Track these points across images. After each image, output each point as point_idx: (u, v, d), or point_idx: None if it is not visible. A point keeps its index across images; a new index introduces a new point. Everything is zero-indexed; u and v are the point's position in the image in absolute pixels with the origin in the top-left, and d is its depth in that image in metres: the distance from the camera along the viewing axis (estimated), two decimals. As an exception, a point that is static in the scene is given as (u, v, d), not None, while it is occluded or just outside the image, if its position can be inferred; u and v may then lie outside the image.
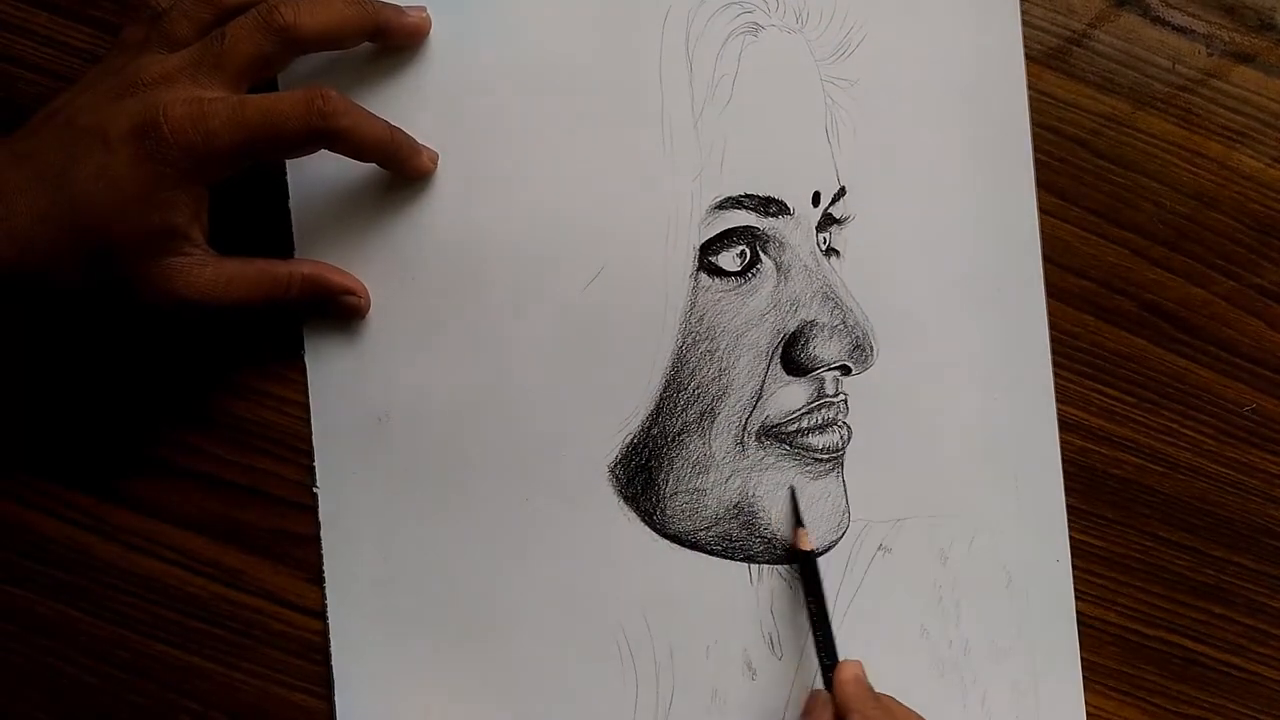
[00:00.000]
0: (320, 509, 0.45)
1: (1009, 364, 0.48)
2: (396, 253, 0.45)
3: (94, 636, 0.45)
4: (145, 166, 0.39)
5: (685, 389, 0.46)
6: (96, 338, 0.45)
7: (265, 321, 0.45)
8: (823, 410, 0.46)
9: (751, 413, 0.46)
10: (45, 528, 0.45)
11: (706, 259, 0.46)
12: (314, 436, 0.45)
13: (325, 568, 0.45)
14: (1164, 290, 0.48)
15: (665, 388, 0.46)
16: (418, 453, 0.45)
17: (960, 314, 0.47)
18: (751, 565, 0.47)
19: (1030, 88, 0.48)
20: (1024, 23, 0.48)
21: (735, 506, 0.46)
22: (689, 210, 0.46)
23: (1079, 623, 0.48)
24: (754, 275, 0.46)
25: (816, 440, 0.46)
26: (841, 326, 0.46)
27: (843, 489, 0.47)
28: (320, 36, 0.41)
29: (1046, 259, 0.48)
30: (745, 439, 0.46)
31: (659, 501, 0.46)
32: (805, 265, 0.46)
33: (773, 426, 0.46)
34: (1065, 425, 0.48)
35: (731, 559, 0.46)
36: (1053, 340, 0.48)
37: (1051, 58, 0.48)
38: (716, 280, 0.46)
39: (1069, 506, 0.48)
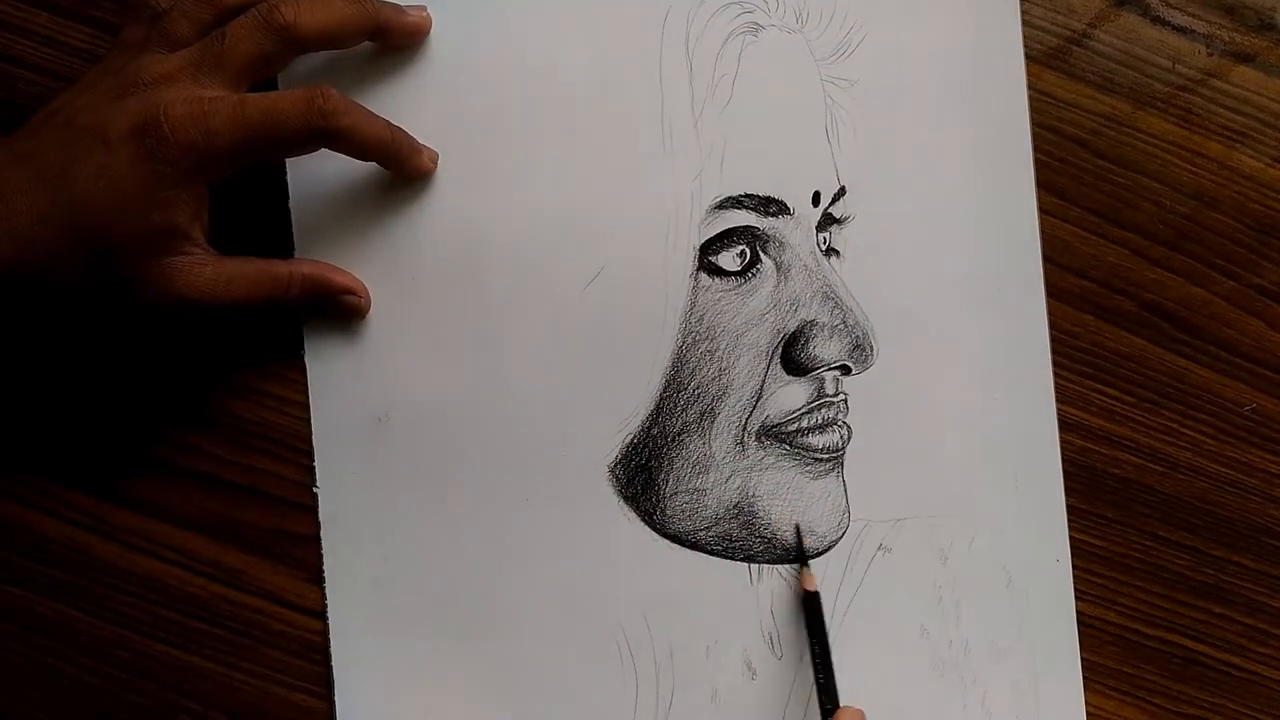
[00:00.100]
0: (320, 509, 0.45)
1: (1009, 364, 0.48)
2: (396, 253, 0.45)
3: (94, 636, 0.45)
4: (145, 166, 0.39)
5: (685, 389, 0.46)
6: (96, 338, 0.45)
7: (265, 321, 0.45)
8: (823, 410, 0.46)
9: (751, 413, 0.46)
10: (45, 528, 0.45)
11: (706, 259, 0.46)
12: (314, 436, 0.45)
13: (325, 568, 0.45)
14: (1164, 290, 0.48)
15: (665, 388, 0.46)
16: (418, 453, 0.45)
17: (960, 314, 0.47)
18: (751, 565, 0.47)
19: (1030, 88, 0.48)
20: (1024, 23, 0.48)
21: (735, 506, 0.46)
22: (689, 210, 0.46)
23: (1079, 622, 0.48)
24: (754, 275, 0.46)
25: (816, 440, 0.46)
26: (841, 326, 0.46)
27: (843, 489, 0.47)
28: (320, 36, 0.41)
29: (1046, 259, 0.48)
30: (745, 439, 0.46)
31: (659, 501, 0.46)
32: (805, 265, 0.46)
33: (773, 426, 0.46)
34: (1065, 425, 0.48)
35: (731, 559, 0.46)
36: (1053, 340, 0.48)
37: (1051, 58, 0.48)
38: (716, 280, 0.46)
39: (1069, 506, 0.48)
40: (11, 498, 0.45)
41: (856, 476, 0.47)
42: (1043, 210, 0.48)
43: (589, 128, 0.46)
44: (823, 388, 0.47)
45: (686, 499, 0.46)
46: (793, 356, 0.46)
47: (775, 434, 0.46)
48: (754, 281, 0.46)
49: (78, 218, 0.39)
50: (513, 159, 0.45)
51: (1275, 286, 0.48)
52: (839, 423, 0.47)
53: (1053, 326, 0.48)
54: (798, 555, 0.46)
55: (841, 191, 0.47)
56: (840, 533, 0.47)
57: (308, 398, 0.45)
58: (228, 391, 0.46)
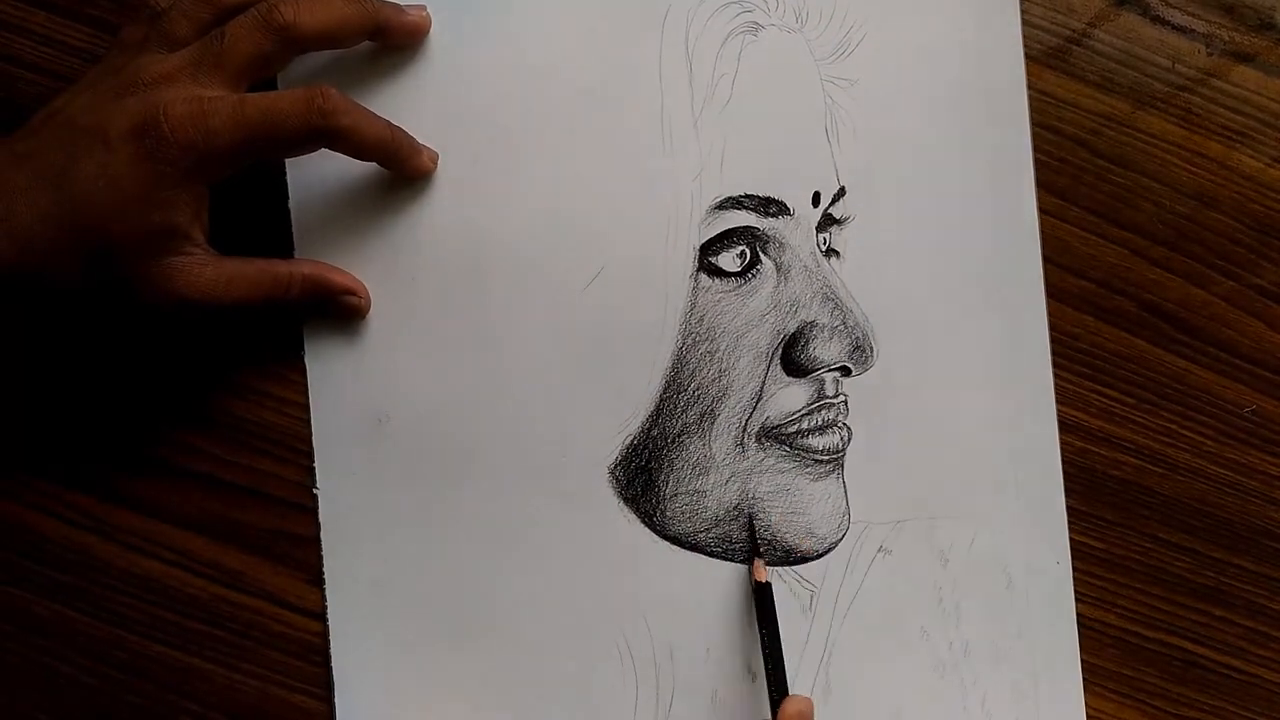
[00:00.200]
0: (320, 510, 0.45)
1: (1009, 364, 0.47)
2: (396, 253, 0.45)
3: (93, 637, 0.45)
4: (145, 166, 0.39)
5: (685, 390, 0.46)
6: (96, 338, 0.45)
7: (265, 321, 0.45)
8: (823, 411, 0.46)
9: (751, 414, 0.46)
10: (45, 528, 0.45)
11: (706, 259, 0.46)
12: (314, 437, 0.45)
13: (325, 568, 0.45)
14: (1164, 290, 0.48)
15: (665, 389, 0.46)
16: (418, 453, 0.45)
17: (960, 314, 0.47)
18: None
19: (1030, 88, 0.48)
20: (1024, 22, 0.48)
21: (735, 508, 0.46)
22: (689, 210, 0.46)
23: (1079, 624, 0.48)
24: (754, 276, 0.46)
25: (817, 441, 0.46)
26: (841, 327, 0.46)
27: (843, 490, 0.47)
28: (320, 35, 0.41)
29: (1046, 259, 0.48)
30: (745, 440, 0.46)
31: (659, 503, 0.46)
32: (805, 266, 0.46)
33: (773, 428, 0.46)
34: (1065, 426, 0.48)
35: (732, 560, 0.46)
36: (1053, 340, 0.48)
37: (1051, 57, 0.48)
38: (716, 281, 0.46)
39: (1069, 507, 0.48)
40: (11, 498, 0.45)
41: (857, 478, 0.47)
42: (1043, 210, 0.48)
43: (589, 128, 0.45)
44: (823, 389, 0.46)
45: (687, 500, 0.46)
46: (793, 358, 0.46)
47: (775, 435, 0.46)
48: (754, 282, 0.46)
49: (78, 218, 0.39)
50: (513, 159, 0.45)
51: (1275, 287, 0.48)
52: (839, 424, 0.47)
53: (1053, 327, 0.48)
54: (749, 548, 0.46)
55: (841, 192, 0.47)
56: (840, 534, 0.47)
57: (308, 398, 0.45)
58: (228, 391, 0.46)
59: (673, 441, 0.46)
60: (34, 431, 0.45)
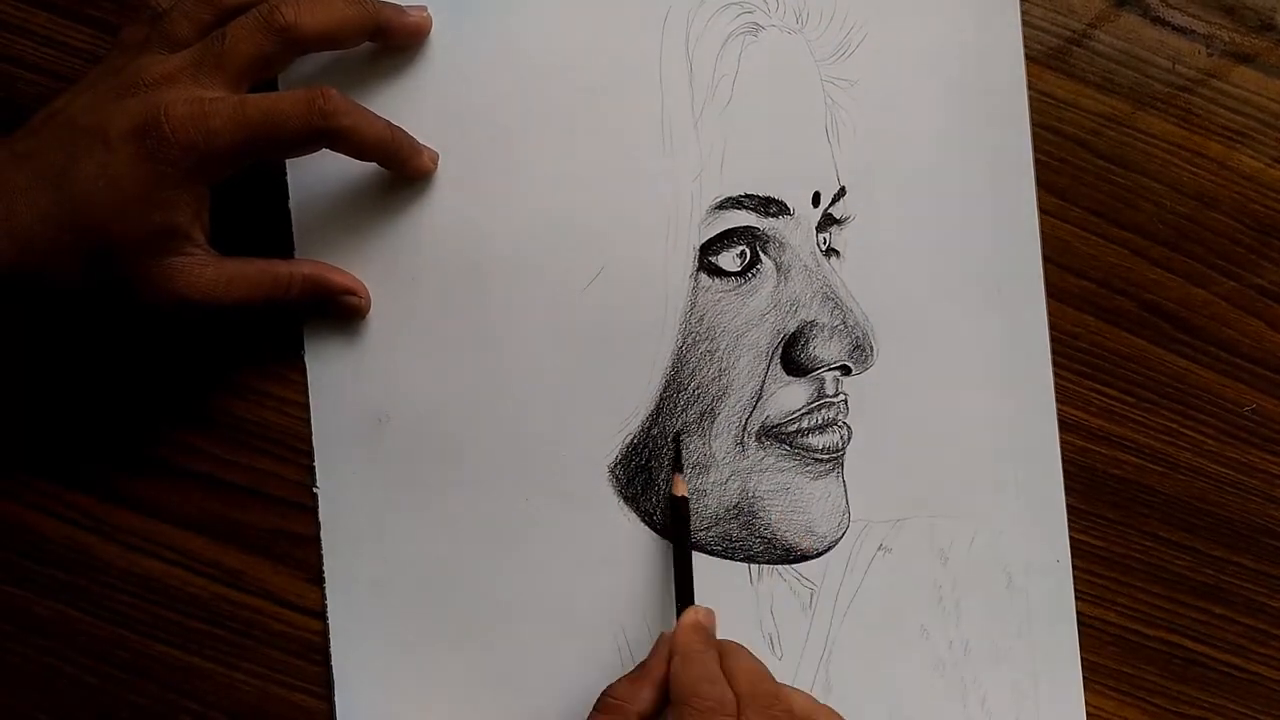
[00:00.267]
0: (320, 509, 0.45)
1: (1009, 364, 0.48)
2: (396, 253, 0.45)
3: (93, 636, 0.45)
4: (146, 166, 0.39)
5: (685, 389, 0.46)
6: (96, 338, 0.45)
7: (265, 321, 0.45)
8: (823, 410, 0.46)
9: (751, 413, 0.46)
10: (45, 528, 0.45)
11: (706, 259, 0.46)
12: (314, 436, 0.45)
13: (325, 568, 0.45)
14: (1164, 290, 0.48)
15: (665, 388, 0.46)
16: (418, 453, 0.45)
17: (960, 314, 0.47)
18: (751, 565, 0.47)
19: (1030, 88, 0.48)
20: (1024, 23, 0.48)
21: (735, 507, 0.46)
22: (689, 210, 0.46)
23: (1079, 623, 0.48)
24: (754, 275, 0.46)
25: (816, 440, 0.46)
26: (841, 327, 0.46)
27: (843, 489, 0.47)
28: (321, 36, 0.41)
29: (1046, 259, 0.48)
30: (745, 439, 0.46)
31: (659, 502, 0.46)
32: (805, 265, 0.46)
33: (773, 427, 0.46)
34: (1065, 425, 0.48)
35: (731, 559, 0.46)
36: (1053, 340, 0.48)
37: (1051, 58, 0.48)
38: (716, 280, 0.46)
39: (1069, 506, 0.48)
40: (11, 498, 0.45)
41: (856, 477, 0.47)
42: (1043, 210, 0.48)
43: (589, 128, 0.46)
44: (823, 388, 0.47)
45: (686, 499, 0.46)
46: (793, 357, 0.46)
47: (775, 434, 0.46)
48: (754, 282, 0.46)
49: (78, 218, 0.39)
50: (513, 159, 0.45)
51: (1275, 286, 0.48)
52: (839, 423, 0.47)
53: (1053, 326, 0.48)
54: (675, 464, 0.46)
55: (841, 192, 0.47)
56: (840, 533, 0.47)
57: (308, 398, 0.45)
58: (228, 391, 0.46)
59: (673, 441, 0.46)
60: (34, 431, 0.45)
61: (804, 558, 0.47)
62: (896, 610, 0.47)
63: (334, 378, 0.45)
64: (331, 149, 0.42)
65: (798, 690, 0.42)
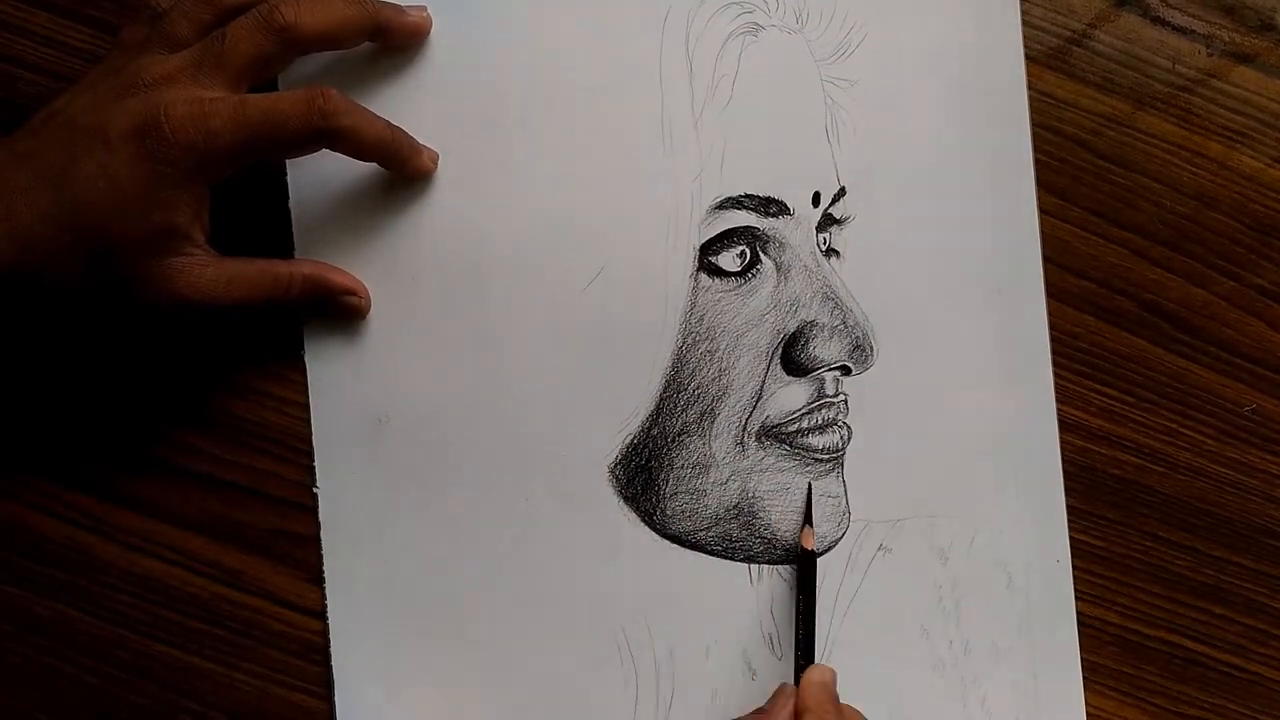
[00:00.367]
0: (320, 509, 0.45)
1: (1009, 364, 0.48)
2: (396, 253, 0.45)
3: (93, 636, 0.45)
4: (146, 166, 0.39)
5: (685, 389, 0.46)
6: (96, 338, 0.45)
7: (265, 321, 0.45)
8: (823, 410, 0.46)
9: (751, 413, 0.46)
10: (45, 528, 0.45)
11: (706, 259, 0.46)
12: (314, 436, 0.45)
13: (325, 568, 0.45)
14: (1164, 290, 0.48)
15: (665, 388, 0.46)
16: (418, 453, 0.45)
17: (960, 314, 0.47)
18: (752, 565, 0.47)
19: (1030, 88, 0.48)
20: (1024, 23, 0.48)
21: (735, 507, 0.46)
22: (689, 210, 0.46)
23: (1079, 623, 0.48)
24: (754, 275, 0.46)
25: (817, 440, 0.46)
26: (841, 327, 0.46)
27: (843, 489, 0.47)
28: (320, 36, 0.41)
29: (1046, 259, 0.48)
30: (745, 439, 0.46)
31: (659, 502, 0.46)
32: (805, 265, 0.46)
33: (773, 427, 0.46)
34: (1065, 425, 0.48)
35: (732, 559, 0.46)
36: (1053, 340, 0.48)
37: (1051, 58, 0.48)
38: (716, 280, 0.46)
39: (1069, 506, 0.48)
40: (11, 498, 0.45)
41: (856, 477, 0.47)
42: (1043, 210, 0.48)
43: (589, 128, 0.46)
44: (823, 388, 0.47)
45: (687, 499, 0.46)
46: (793, 357, 0.46)
47: (775, 434, 0.46)
48: (754, 282, 0.46)
49: (78, 218, 0.39)
50: (513, 159, 0.45)
51: (1275, 286, 0.48)
52: (839, 423, 0.47)
53: (1053, 326, 0.48)
54: (806, 516, 0.46)
55: (841, 192, 0.47)
56: (840, 533, 0.47)
57: (308, 398, 0.45)
58: (228, 391, 0.46)
59: (673, 440, 0.46)
60: (34, 431, 0.45)
61: (804, 558, 0.47)
62: (896, 610, 0.47)
63: (334, 378, 0.45)
64: (331, 149, 0.42)
65: None
